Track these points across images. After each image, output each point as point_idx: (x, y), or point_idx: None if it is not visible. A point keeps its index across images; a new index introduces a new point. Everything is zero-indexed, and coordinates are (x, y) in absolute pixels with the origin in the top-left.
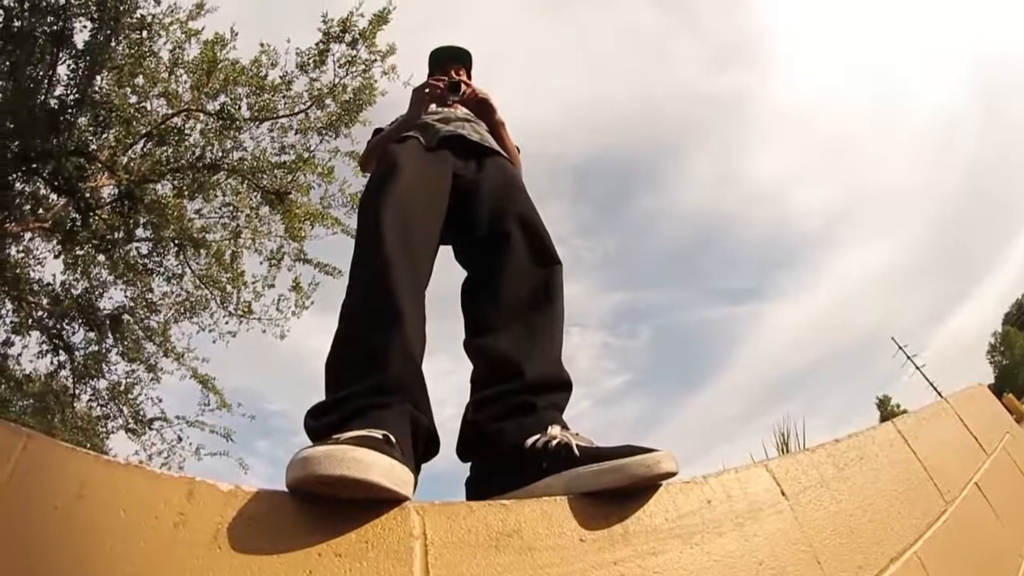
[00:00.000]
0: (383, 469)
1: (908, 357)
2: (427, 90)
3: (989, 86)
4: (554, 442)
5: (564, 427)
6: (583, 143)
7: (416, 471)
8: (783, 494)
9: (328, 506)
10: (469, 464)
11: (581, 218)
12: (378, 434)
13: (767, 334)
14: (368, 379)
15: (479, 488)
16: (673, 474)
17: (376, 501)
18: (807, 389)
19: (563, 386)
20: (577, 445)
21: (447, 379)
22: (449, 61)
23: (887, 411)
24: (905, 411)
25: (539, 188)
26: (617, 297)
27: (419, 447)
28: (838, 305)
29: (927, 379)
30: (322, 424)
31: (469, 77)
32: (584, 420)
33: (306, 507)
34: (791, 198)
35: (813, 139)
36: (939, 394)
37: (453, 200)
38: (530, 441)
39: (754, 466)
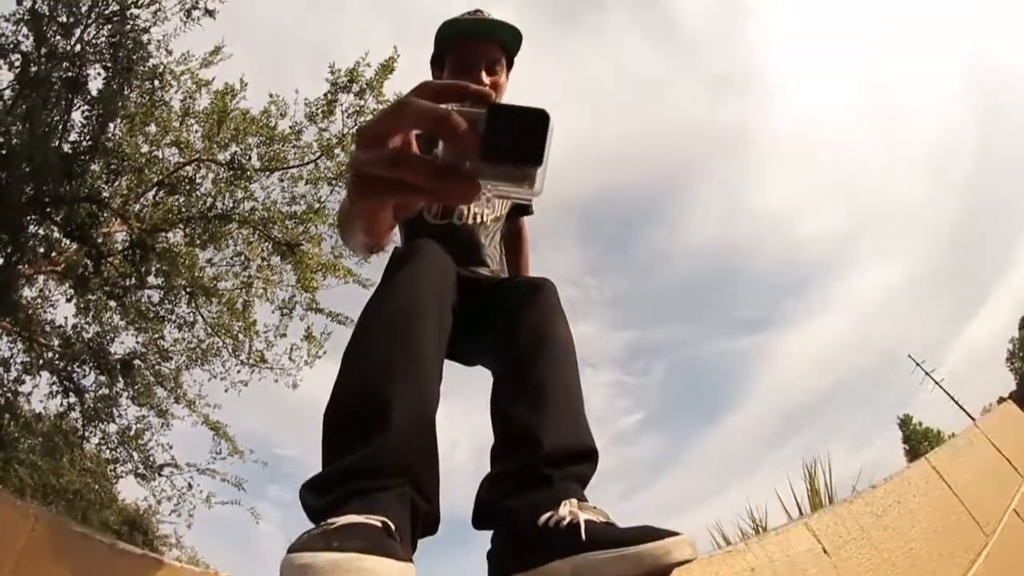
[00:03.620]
0: None
1: (926, 373)
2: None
3: (984, 94)
4: (564, 522)
5: (581, 500)
6: (588, 183)
7: (413, 551)
8: (825, 552)
9: None
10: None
11: (590, 257)
12: (377, 521)
13: (783, 362)
14: (370, 449)
15: (497, 564)
16: (688, 561)
17: None
18: (826, 414)
19: (585, 455)
20: (587, 522)
21: (461, 421)
22: (480, 42)
23: (909, 430)
24: (927, 429)
25: (547, 230)
26: (629, 335)
27: (416, 533)
28: (852, 327)
29: (948, 393)
30: (320, 505)
31: (508, 74)
32: (600, 460)
33: None
34: (798, 224)
35: (816, 164)
36: (960, 407)
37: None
38: (542, 519)
39: (794, 525)
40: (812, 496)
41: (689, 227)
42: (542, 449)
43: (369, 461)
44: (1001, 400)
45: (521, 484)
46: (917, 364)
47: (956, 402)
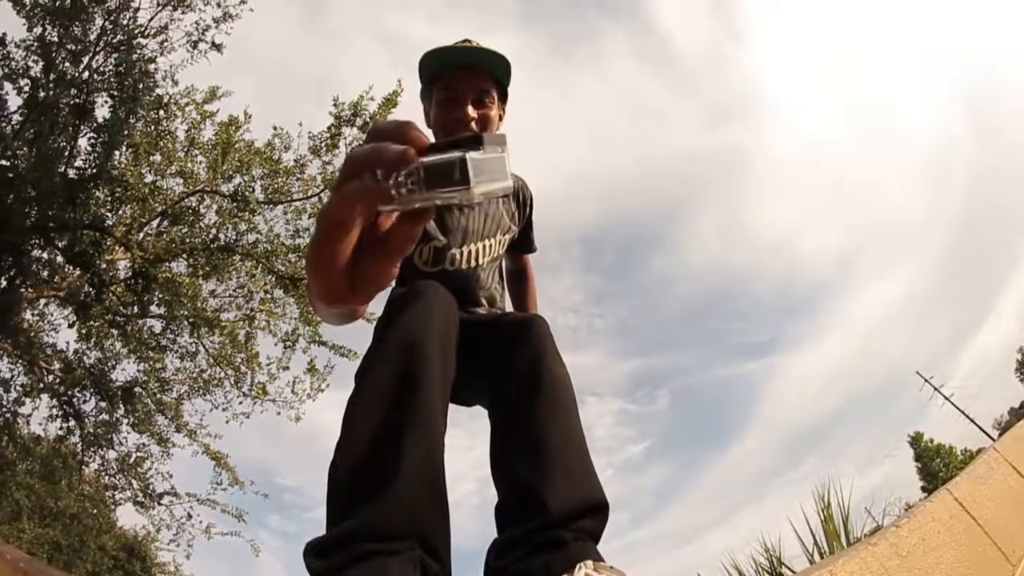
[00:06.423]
0: None
1: (935, 388)
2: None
3: (976, 103)
4: None
5: (597, 560)
6: (590, 212)
7: None
8: None
9: None
10: None
11: (592, 286)
12: None
13: (789, 384)
14: (376, 509)
15: None
16: None
17: None
18: (835, 435)
19: (594, 509)
20: None
21: (465, 453)
22: (467, 73)
23: (921, 447)
24: (939, 445)
25: (549, 261)
26: (633, 363)
27: None
28: (858, 346)
29: (959, 408)
30: (325, 568)
31: (504, 106)
32: (606, 490)
33: None
34: (799, 245)
35: (814, 184)
36: (972, 421)
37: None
38: None
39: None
40: (826, 522)
41: (690, 253)
42: (549, 511)
43: (375, 522)
44: (1013, 412)
45: (532, 549)
46: (925, 380)
47: (968, 417)
